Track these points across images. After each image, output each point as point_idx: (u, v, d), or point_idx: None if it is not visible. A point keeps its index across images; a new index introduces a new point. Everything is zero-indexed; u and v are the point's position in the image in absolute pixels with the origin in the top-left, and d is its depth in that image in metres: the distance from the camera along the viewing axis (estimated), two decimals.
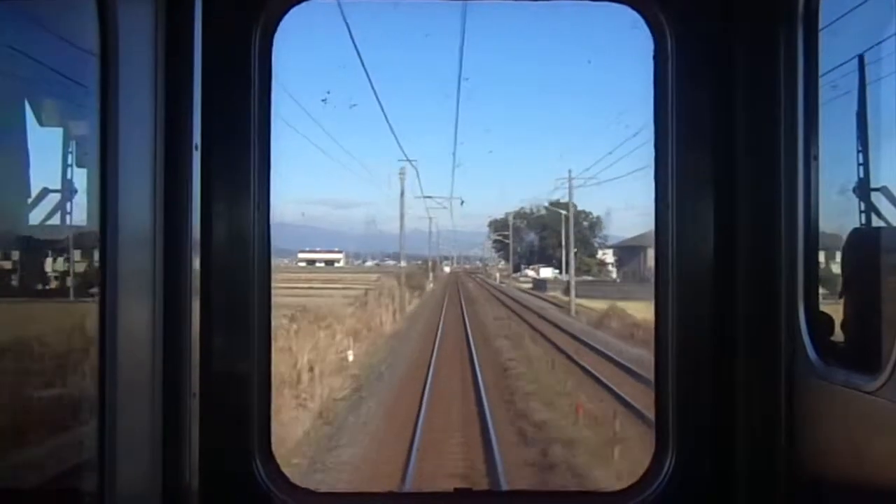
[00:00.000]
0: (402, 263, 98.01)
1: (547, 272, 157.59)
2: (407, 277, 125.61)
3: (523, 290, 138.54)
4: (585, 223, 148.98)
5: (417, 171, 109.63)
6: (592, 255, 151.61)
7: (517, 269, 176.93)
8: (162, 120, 4.78)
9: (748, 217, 5.34)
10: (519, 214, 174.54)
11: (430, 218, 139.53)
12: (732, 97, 5.37)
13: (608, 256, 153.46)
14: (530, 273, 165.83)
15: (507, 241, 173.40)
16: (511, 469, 25.01)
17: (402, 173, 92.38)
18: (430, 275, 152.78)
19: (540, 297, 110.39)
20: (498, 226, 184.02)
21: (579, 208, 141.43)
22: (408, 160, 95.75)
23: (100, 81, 4.31)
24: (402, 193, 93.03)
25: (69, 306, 4.87)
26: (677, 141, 5.44)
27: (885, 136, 4.94)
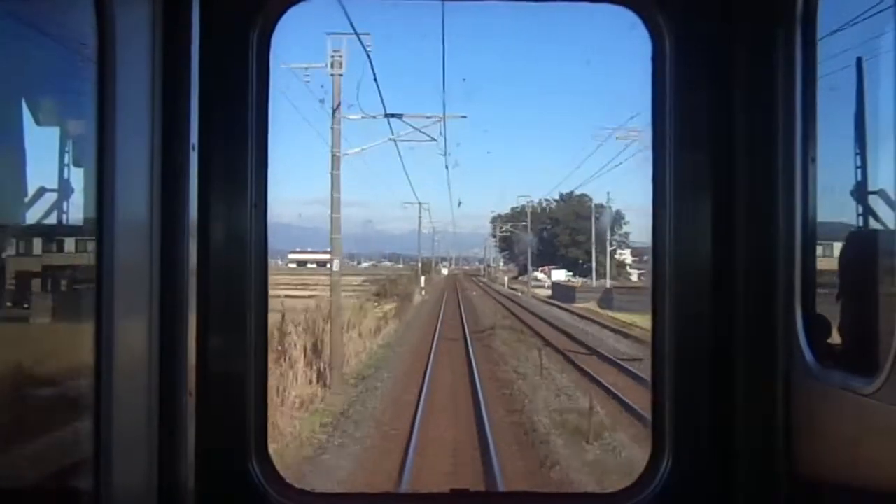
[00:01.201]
0: (335, 266, 47.39)
1: (559, 275, 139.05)
2: (392, 284, 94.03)
3: (544, 300, 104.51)
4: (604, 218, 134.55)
5: (369, 56, 48.29)
6: (610, 255, 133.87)
7: (525, 270, 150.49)
8: (159, 120, 4.78)
9: (746, 219, 5.35)
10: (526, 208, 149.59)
11: (420, 203, 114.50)
12: (731, 99, 5.37)
13: (627, 257, 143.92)
14: (540, 276, 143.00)
15: (522, 234, 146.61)
16: None
17: (333, 61, 45.40)
18: (422, 280, 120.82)
19: (582, 317, 73.35)
20: (504, 220, 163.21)
21: (595, 201, 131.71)
22: (356, 34, 44.25)
23: (97, 81, 4.31)
24: (337, 107, 45.50)
25: (66, 306, 4.86)
26: (675, 142, 5.45)
27: (883, 138, 4.93)
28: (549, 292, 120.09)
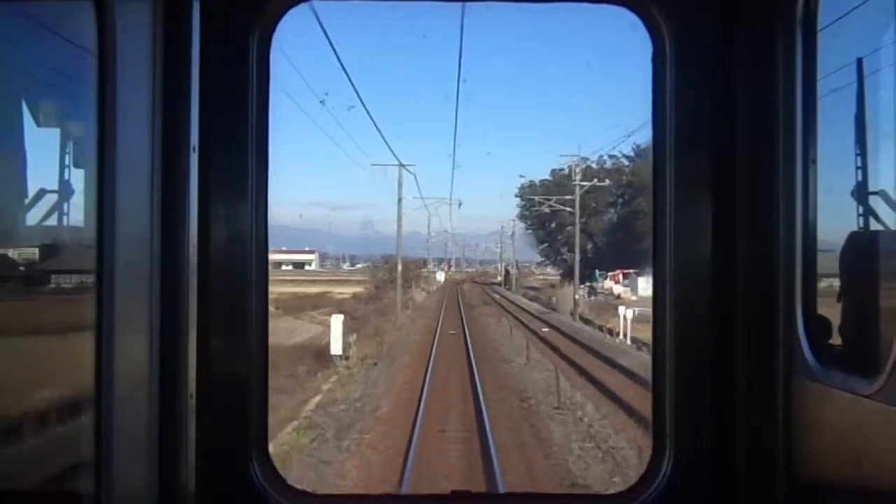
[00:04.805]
0: None
1: (646, 285, 71.30)
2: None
3: None
4: None
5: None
6: None
7: (582, 278, 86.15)
8: (160, 121, 4.80)
9: (746, 219, 5.35)
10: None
11: None
12: (731, 99, 5.38)
13: None
14: (617, 288, 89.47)
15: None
16: None
17: None
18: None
19: None
20: (537, 191, 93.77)
21: None
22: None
23: (97, 83, 4.32)
24: None
25: (66, 307, 4.84)
26: (676, 143, 5.45)
27: (884, 139, 4.95)
28: None
